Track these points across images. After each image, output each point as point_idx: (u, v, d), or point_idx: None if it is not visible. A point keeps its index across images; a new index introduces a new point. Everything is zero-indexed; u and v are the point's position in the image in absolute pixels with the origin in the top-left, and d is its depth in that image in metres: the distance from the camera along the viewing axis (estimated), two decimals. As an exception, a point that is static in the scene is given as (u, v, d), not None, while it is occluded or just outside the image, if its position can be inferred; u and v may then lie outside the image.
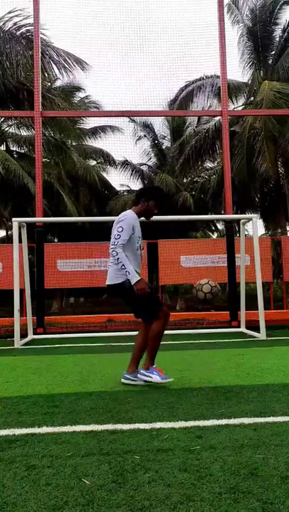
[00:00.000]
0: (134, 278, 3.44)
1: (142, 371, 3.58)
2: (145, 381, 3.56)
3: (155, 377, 3.51)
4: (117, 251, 3.46)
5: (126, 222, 3.56)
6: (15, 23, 12.65)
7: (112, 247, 3.49)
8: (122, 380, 3.67)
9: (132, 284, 3.45)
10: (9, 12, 12.57)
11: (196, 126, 19.03)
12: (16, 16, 12.60)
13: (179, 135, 19.37)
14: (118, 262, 3.46)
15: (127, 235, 3.53)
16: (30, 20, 11.88)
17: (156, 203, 3.75)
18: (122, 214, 3.70)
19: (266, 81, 13.80)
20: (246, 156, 14.79)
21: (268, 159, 13.83)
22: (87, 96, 19.11)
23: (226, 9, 14.40)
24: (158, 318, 3.54)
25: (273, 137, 14.07)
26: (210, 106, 15.89)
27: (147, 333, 3.63)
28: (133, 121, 19.46)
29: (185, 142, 18.49)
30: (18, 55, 12.48)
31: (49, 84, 14.23)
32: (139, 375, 3.60)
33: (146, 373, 3.55)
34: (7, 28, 12.73)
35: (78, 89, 17.90)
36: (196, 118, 19.09)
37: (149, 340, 3.58)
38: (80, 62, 13.61)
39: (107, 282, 3.67)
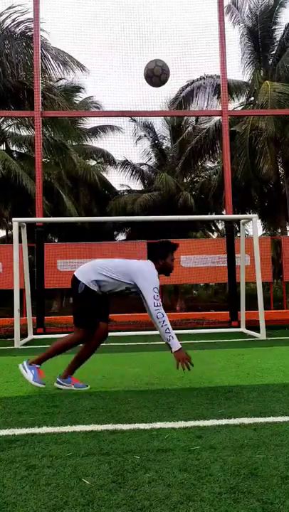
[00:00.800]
0: (176, 346, 3.31)
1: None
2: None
3: (28, 375, 3.46)
4: (163, 313, 3.31)
5: (155, 280, 3.42)
6: (13, 20, 12.63)
7: (158, 309, 3.31)
8: (56, 385, 3.58)
9: (173, 351, 3.31)
10: (8, 8, 12.55)
11: (195, 126, 19.03)
12: (15, 12, 12.59)
13: (178, 135, 19.38)
14: (164, 325, 3.30)
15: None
16: (29, 16, 11.89)
17: (172, 256, 3.63)
18: (147, 269, 3.47)
19: (267, 81, 13.78)
20: (248, 157, 14.78)
21: (269, 160, 13.82)
22: (89, 97, 19.12)
23: (225, 10, 14.44)
24: (79, 332, 3.48)
25: (275, 138, 14.07)
26: (207, 106, 15.90)
27: (91, 342, 3.55)
28: (133, 120, 19.46)
29: (185, 142, 18.50)
30: (17, 54, 12.48)
31: (50, 82, 14.22)
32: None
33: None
34: (6, 26, 12.71)
35: (78, 89, 17.92)
36: (196, 118, 19.10)
37: (58, 344, 3.52)
38: (80, 62, 13.63)
39: (76, 273, 3.52)
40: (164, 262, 3.57)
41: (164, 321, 3.29)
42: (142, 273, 3.41)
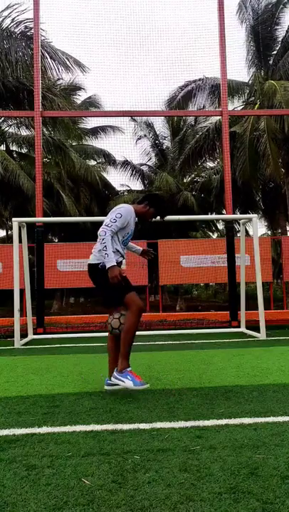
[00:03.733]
0: (110, 262, 3.34)
1: (115, 374, 3.33)
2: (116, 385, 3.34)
3: (128, 382, 3.24)
4: (107, 232, 3.39)
5: (125, 211, 3.52)
6: (13, 19, 12.60)
7: (104, 228, 3.40)
8: (106, 387, 3.45)
9: (106, 267, 3.35)
10: (7, 7, 12.52)
11: (194, 126, 19.04)
12: (14, 11, 12.56)
13: (179, 135, 19.39)
14: (102, 243, 3.38)
15: (121, 224, 3.48)
16: (29, 15, 11.86)
17: (155, 213, 3.75)
18: (122, 205, 3.66)
19: (273, 81, 13.71)
20: (249, 157, 14.75)
21: (271, 161, 13.78)
22: (89, 97, 19.12)
23: (236, 8, 14.49)
24: (130, 308, 3.38)
25: (276, 138, 14.06)
26: (209, 106, 15.90)
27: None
28: (134, 120, 19.46)
29: (184, 142, 18.50)
30: (17, 53, 12.47)
31: (49, 82, 14.21)
32: (112, 379, 3.36)
33: (119, 376, 3.29)
34: (5, 26, 12.70)
35: (79, 88, 17.92)
36: (197, 118, 19.11)
37: (123, 333, 3.37)
38: (80, 62, 13.62)
39: (88, 261, 3.64)
40: (148, 209, 3.71)
41: (103, 239, 3.37)
42: (117, 207, 3.62)
